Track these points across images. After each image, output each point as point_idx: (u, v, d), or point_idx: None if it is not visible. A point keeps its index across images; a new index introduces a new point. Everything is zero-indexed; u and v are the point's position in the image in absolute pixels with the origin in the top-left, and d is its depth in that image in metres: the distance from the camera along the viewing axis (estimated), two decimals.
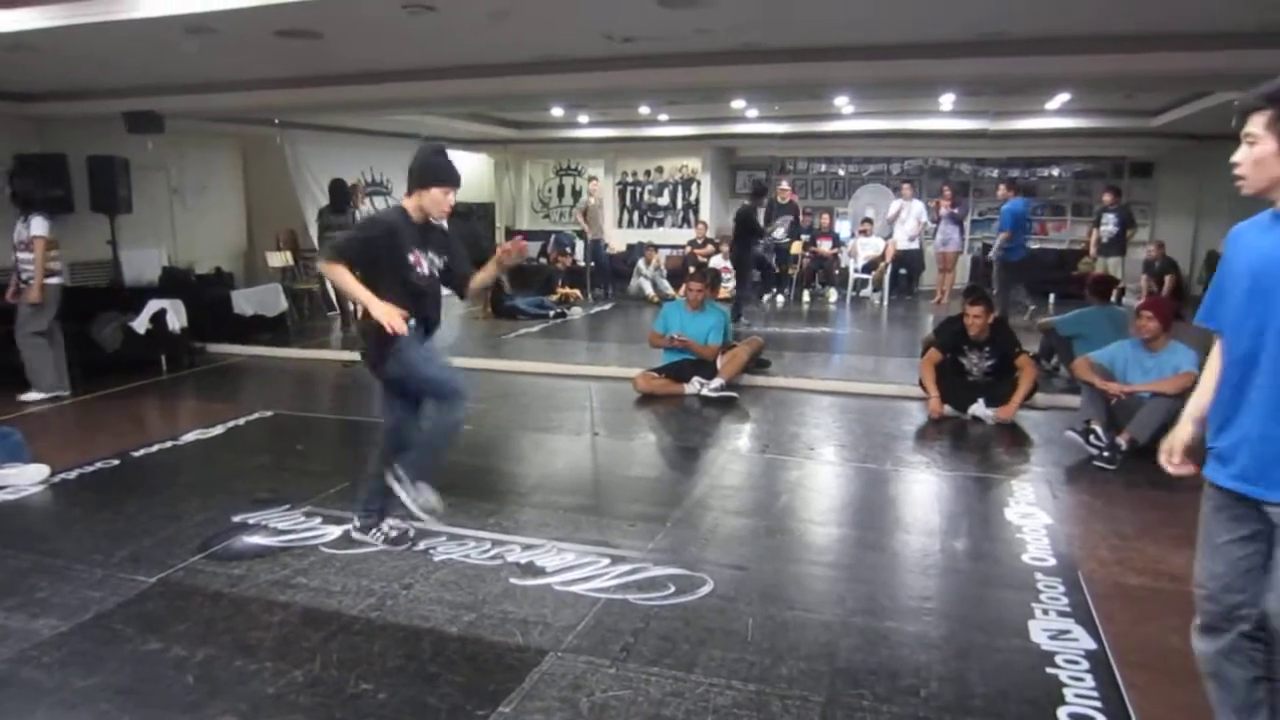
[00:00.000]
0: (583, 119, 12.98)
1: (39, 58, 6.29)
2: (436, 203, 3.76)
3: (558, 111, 11.81)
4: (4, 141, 8.55)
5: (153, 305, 7.89)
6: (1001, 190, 10.36)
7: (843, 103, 10.81)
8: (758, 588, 3.50)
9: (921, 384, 6.28)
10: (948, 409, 6.09)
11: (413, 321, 3.69)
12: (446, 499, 4.41)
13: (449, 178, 3.77)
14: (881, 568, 3.75)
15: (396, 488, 3.80)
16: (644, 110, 12.03)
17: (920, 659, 2.95)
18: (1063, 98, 9.69)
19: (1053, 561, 3.74)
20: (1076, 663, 2.91)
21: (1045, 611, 3.27)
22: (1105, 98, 10.29)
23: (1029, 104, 10.74)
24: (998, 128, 11.84)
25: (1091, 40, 6.00)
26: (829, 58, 6.56)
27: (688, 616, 3.24)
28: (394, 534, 3.94)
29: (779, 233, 12.50)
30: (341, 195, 9.94)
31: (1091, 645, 3.03)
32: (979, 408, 6.03)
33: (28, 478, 4.77)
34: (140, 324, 7.81)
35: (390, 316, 3.54)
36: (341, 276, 3.65)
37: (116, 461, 5.20)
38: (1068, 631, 3.12)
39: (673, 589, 3.46)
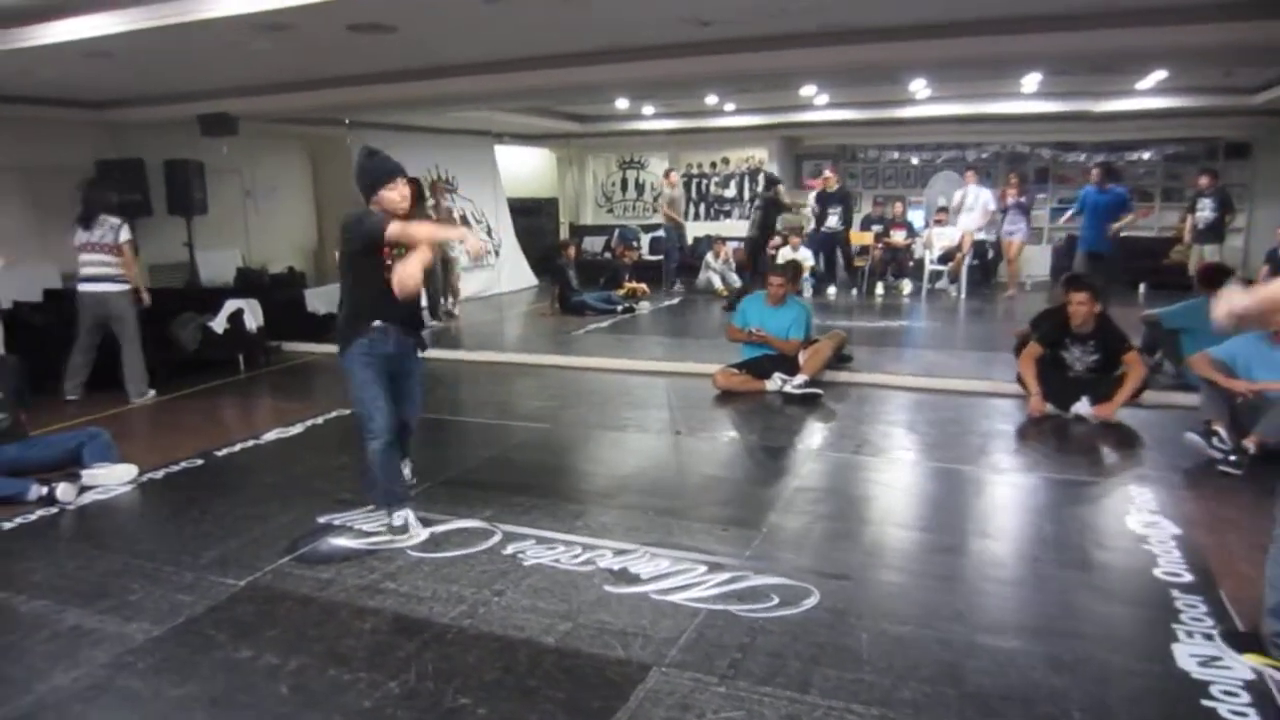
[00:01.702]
0: (647, 110, 12.82)
1: (115, 64, 6.35)
2: (391, 201, 3.80)
3: (622, 104, 11.68)
4: (84, 147, 8.74)
5: (230, 305, 7.96)
6: (1096, 175, 9.83)
7: (918, 87, 10.45)
8: (866, 600, 3.29)
9: (1020, 380, 5.96)
10: (1049, 407, 5.76)
11: (378, 323, 3.84)
12: (529, 499, 4.36)
13: (386, 174, 3.80)
14: (997, 580, 3.50)
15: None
16: (710, 100, 11.81)
17: (1055, 684, 2.71)
18: (1158, 75, 9.18)
19: (1189, 577, 3.43)
20: (1236, 695, 2.63)
21: (1190, 634, 2.98)
22: (1202, 75, 9.74)
23: (1119, 83, 10.23)
24: (1087, 109, 11.32)
25: (1192, 9, 5.61)
26: (909, 37, 6.27)
27: (795, 631, 3.05)
28: (397, 522, 3.97)
29: (831, 221, 12.18)
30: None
31: (1249, 675, 2.73)
32: (1083, 406, 5.67)
33: (116, 477, 4.80)
34: (218, 324, 7.88)
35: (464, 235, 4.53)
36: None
37: (201, 461, 5.21)
38: (1218, 658, 2.83)
39: (776, 600, 3.27)
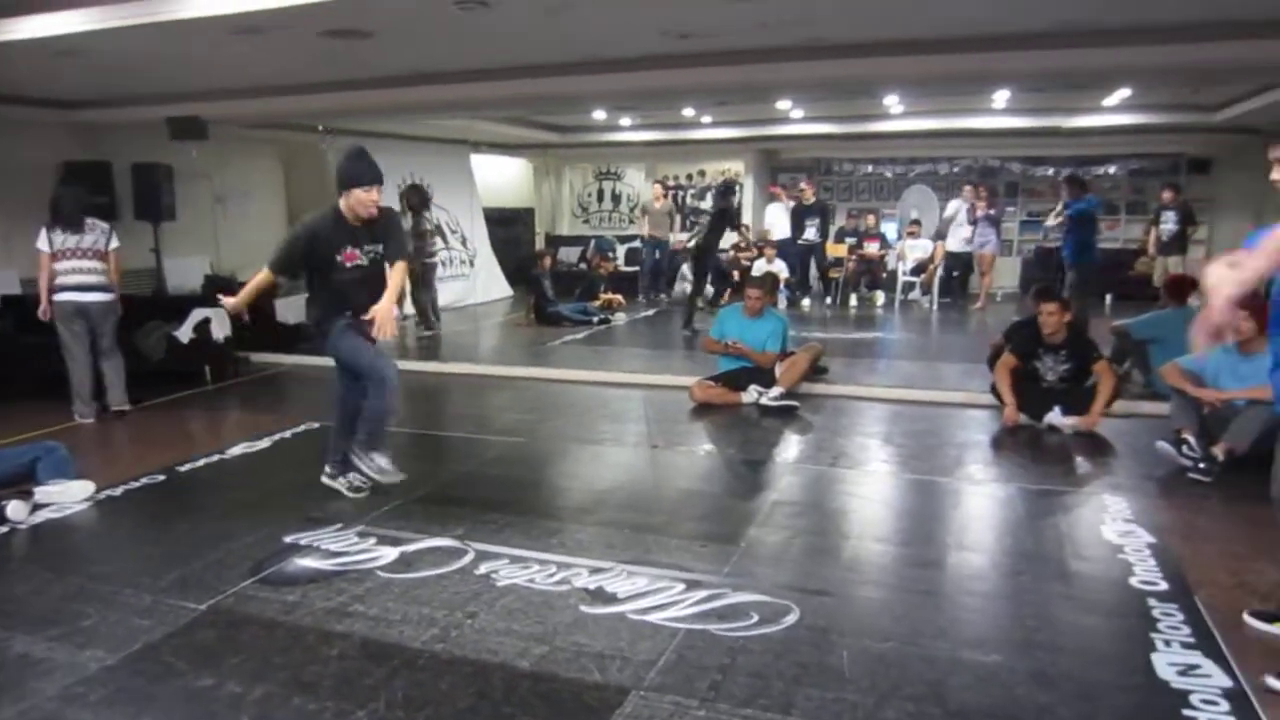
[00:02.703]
0: (625, 122, 12.78)
1: (85, 62, 6.19)
2: (361, 202, 4.13)
3: (599, 114, 11.62)
4: (50, 148, 8.52)
5: (197, 314, 7.77)
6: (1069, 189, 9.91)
7: (892, 101, 10.51)
8: (847, 616, 3.24)
9: (994, 390, 5.97)
10: (1022, 418, 5.77)
11: (348, 313, 4.24)
12: (504, 516, 4.26)
13: (367, 177, 4.13)
14: (978, 594, 3.47)
15: (356, 460, 4.38)
16: (688, 112, 11.80)
17: (1041, 700, 2.67)
18: (1123, 93, 9.31)
19: (1165, 585, 3.44)
20: (1215, 703, 2.63)
21: (1168, 643, 2.98)
22: (1166, 93, 9.89)
23: (1086, 100, 10.35)
24: (1056, 125, 11.45)
25: (1159, 31, 5.69)
26: (886, 52, 6.30)
27: (777, 650, 2.98)
28: (356, 482, 4.54)
29: (809, 233, 12.20)
30: (407, 201, 9.92)
31: (1227, 682, 2.73)
32: (1055, 416, 5.70)
33: (72, 495, 4.61)
34: (184, 333, 7.69)
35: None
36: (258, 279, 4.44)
37: (163, 477, 5.05)
38: (1197, 666, 2.83)
39: (756, 618, 3.20)
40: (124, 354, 6.72)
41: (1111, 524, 4.12)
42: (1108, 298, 11.65)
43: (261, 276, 4.42)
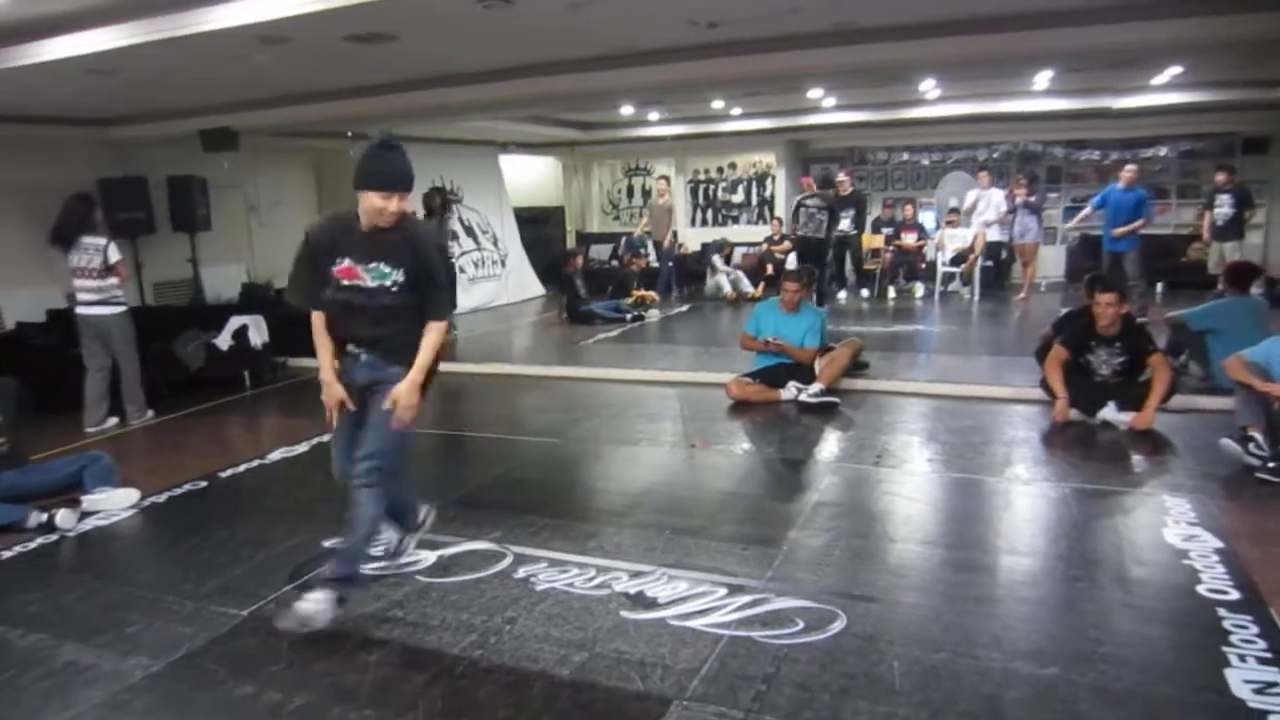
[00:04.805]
0: (653, 116, 12.70)
1: (115, 80, 6.25)
2: (374, 210, 3.13)
3: (627, 110, 11.54)
4: (86, 166, 8.64)
5: (234, 321, 7.86)
6: (1129, 173, 9.59)
7: (928, 86, 10.29)
8: (896, 624, 3.13)
9: (1044, 385, 5.79)
10: (1073, 413, 5.59)
11: (351, 347, 3.28)
12: (541, 519, 4.21)
13: (381, 181, 3.13)
14: (1032, 601, 3.33)
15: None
16: (717, 105, 11.68)
17: (1105, 718, 2.54)
18: (1173, 70, 9.00)
19: (1236, 595, 3.25)
20: None
21: (1242, 658, 2.81)
22: (1219, 68, 9.53)
23: (1132, 80, 10.05)
24: (1102, 106, 11.10)
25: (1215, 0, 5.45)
26: (921, 35, 6.12)
27: (823, 659, 2.89)
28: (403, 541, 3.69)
29: (844, 225, 11.99)
30: (429, 203, 9.93)
31: None
32: (1109, 411, 5.50)
33: (118, 502, 4.68)
34: (223, 341, 7.78)
35: (327, 396, 3.28)
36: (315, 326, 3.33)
37: (204, 484, 5.09)
38: (1275, 684, 2.66)
39: (801, 625, 3.12)
40: (164, 363, 6.79)
41: (1174, 527, 3.93)
42: (1159, 286, 11.31)
43: (317, 324, 3.33)
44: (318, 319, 3.30)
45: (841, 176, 12.28)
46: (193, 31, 4.97)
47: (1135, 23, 5.74)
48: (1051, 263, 12.95)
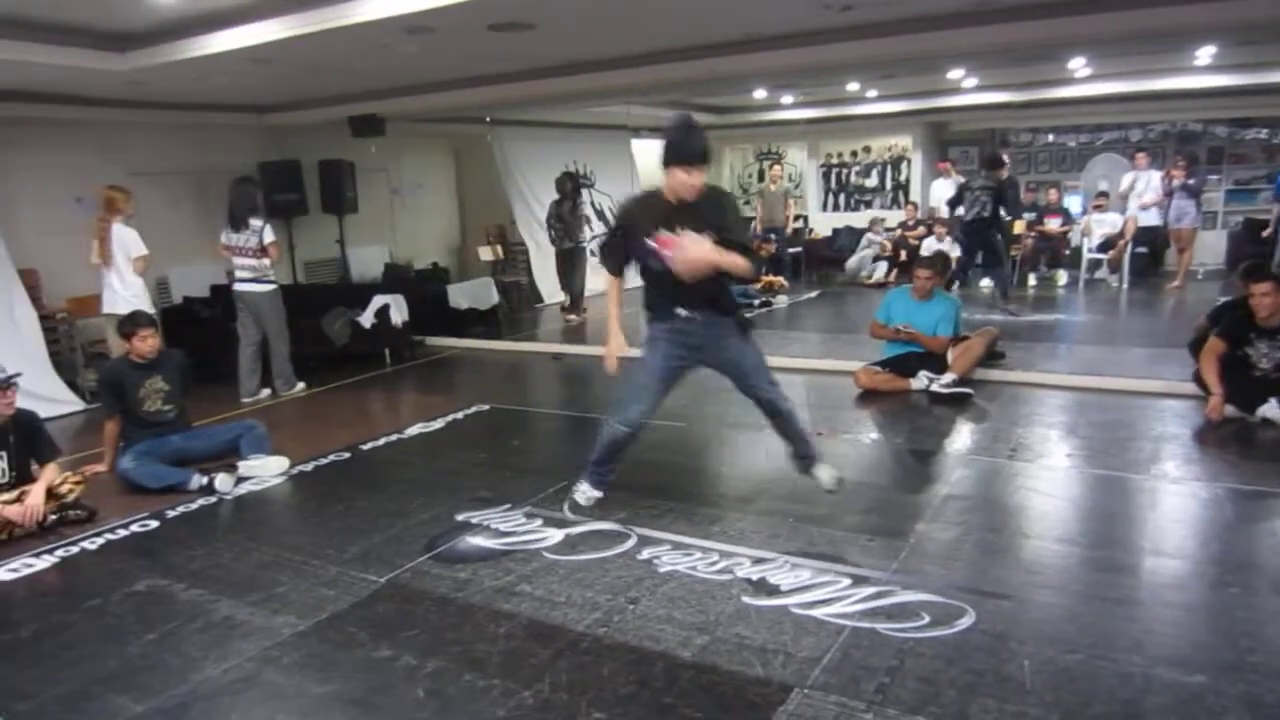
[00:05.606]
0: (786, 100, 12.50)
1: (274, 69, 6.64)
2: (681, 184, 3.55)
3: (760, 94, 11.41)
4: (248, 151, 9.25)
5: (377, 300, 8.25)
6: None
7: (1077, 65, 9.71)
8: (1028, 622, 3.02)
9: (1198, 379, 5.43)
10: (1230, 410, 5.22)
11: (681, 310, 3.76)
12: (665, 502, 4.26)
13: (688, 156, 3.51)
14: (1178, 605, 3.15)
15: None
16: (852, 87, 11.39)
17: None
18: None
19: None
20: None
21: None
22: None
23: None
24: (1274, 81, 10.21)
25: None
26: (1073, 11, 5.77)
27: (949, 655, 2.82)
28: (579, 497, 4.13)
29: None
30: (560, 187, 10.20)
31: None
32: (1271, 409, 5.12)
33: (270, 469, 5.02)
34: (366, 319, 8.19)
35: (608, 357, 4.01)
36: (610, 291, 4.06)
37: (348, 454, 5.39)
38: None
39: (927, 619, 3.05)
40: (313, 339, 7.23)
41: None
42: None
43: (611, 290, 4.09)
44: (613, 285, 4.02)
45: (949, 162, 11.74)
46: (345, 23, 5.23)
47: None
48: (1211, 249, 12.07)
